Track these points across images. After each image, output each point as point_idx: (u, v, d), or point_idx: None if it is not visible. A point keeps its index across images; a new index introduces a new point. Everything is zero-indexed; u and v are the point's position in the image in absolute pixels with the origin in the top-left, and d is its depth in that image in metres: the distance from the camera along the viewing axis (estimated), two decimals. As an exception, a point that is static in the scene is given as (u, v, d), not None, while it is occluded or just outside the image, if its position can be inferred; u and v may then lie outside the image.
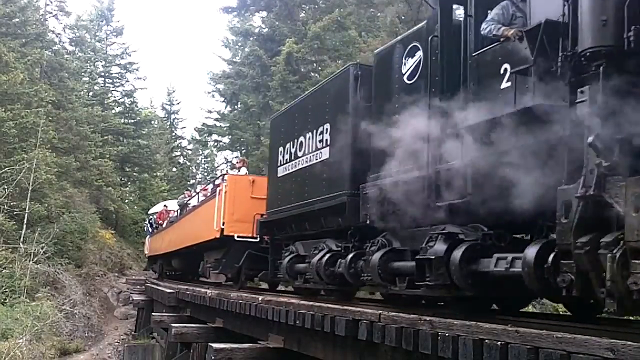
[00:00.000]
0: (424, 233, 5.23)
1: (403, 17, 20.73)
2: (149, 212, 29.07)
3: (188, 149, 47.43)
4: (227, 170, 21.86)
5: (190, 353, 10.60)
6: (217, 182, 13.74)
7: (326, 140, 7.28)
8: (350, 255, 6.40)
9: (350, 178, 6.66)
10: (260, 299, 7.76)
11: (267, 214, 9.44)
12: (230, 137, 35.15)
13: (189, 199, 18.36)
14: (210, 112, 37.88)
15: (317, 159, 7.53)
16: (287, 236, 8.87)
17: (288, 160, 8.51)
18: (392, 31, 19.60)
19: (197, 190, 18.51)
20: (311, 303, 6.32)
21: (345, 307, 5.53)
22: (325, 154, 7.32)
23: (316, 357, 6.38)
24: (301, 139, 8.05)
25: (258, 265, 10.63)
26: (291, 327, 6.61)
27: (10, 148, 20.12)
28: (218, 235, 11.20)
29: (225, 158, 40.95)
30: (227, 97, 35.26)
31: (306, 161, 7.83)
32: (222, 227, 10.91)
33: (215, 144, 39.50)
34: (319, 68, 28.07)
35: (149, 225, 25.80)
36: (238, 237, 10.70)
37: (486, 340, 3.55)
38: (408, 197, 5.32)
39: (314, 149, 7.61)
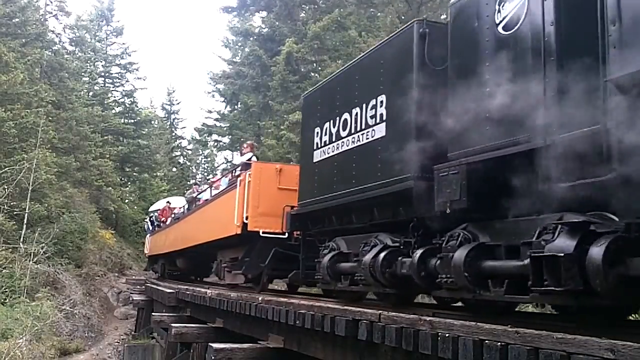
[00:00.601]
0: (532, 223, 4.13)
1: (403, 17, 20.72)
2: (150, 209, 28.66)
3: (188, 149, 47.47)
4: (227, 169, 20.14)
5: (190, 353, 10.61)
6: (237, 171, 12.15)
7: (381, 115, 6.06)
8: (419, 253, 5.14)
9: (417, 158, 5.38)
10: (260, 299, 7.76)
11: (299, 206, 8.16)
12: (230, 137, 35.19)
13: (199, 194, 17.05)
14: (210, 112, 37.99)
15: (368, 138, 6.28)
16: (324, 231, 7.62)
17: (327, 142, 7.25)
18: (392, 31, 19.58)
19: (209, 182, 16.85)
20: (311, 303, 6.33)
21: (345, 307, 5.53)
22: (380, 131, 6.07)
23: (316, 357, 6.38)
24: (345, 116, 6.81)
25: (285, 264, 9.28)
26: (291, 327, 6.61)
27: (10, 148, 20.11)
28: (239, 231, 9.81)
29: (225, 158, 40.97)
30: (227, 97, 35.31)
31: (353, 142, 6.60)
32: (245, 221, 9.49)
33: (215, 144, 39.58)
34: (319, 68, 28.06)
35: (149, 223, 24.95)
36: (263, 232, 9.38)
37: (486, 341, 3.55)
38: (510, 178, 4.21)
39: (363, 127, 6.39)
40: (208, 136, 39.10)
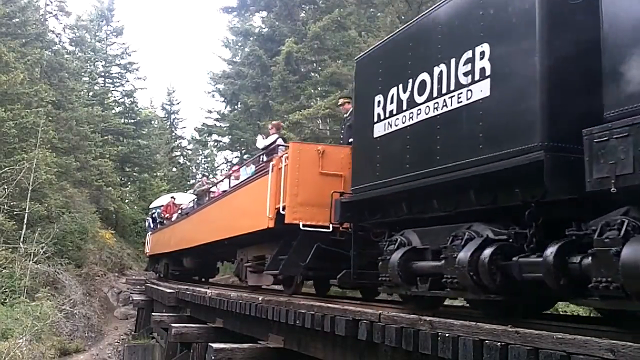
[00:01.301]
0: None
1: (403, 17, 20.71)
2: (151, 205, 28.02)
3: (188, 149, 47.44)
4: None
5: (190, 353, 10.62)
6: (263, 157, 10.72)
7: (482, 70, 4.70)
8: (555, 249, 3.85)
9: (547, 123, 4.08)
10: (260, 299, 7.77)
11: (352, 192, 6.79)
12: (230, 137, 35.19)
13: (213, 185, 15.50)
14: (210, 112, 37.97)
15: (461, 101, 4.88)
16: (385, 222, 6.27)
17: (395, 112, 5.85)
18: (392, 31, 19.58)
19: (227, 173, 15.50)
20: (311, 303, 6.33)
21: (345, 307, 5.53)
22: (481, 90, 4.71)
23: (316, 357, 6.39)
24: (423, 76, 5.43)
25: (328, 263, 7.86)
26: (291, 327, 6.62)
27: (10, 148, 20.12)
28: (271, 225, 8.28)
29: (225, 158, 40.98)
30: (227, 97, 35.32)
31: (435, 108, 5.22)
32: (282, 212, 7.89)
33: (215, 144, 39.55)
34: (319, 68, 28.07)
35: (151, 220, 23.95)
36: (304, 225, 7.72)
37: (486, 341, 3.55)
38: None
39: (452, 88, 5.01)
40: (208, 136, 39.09)
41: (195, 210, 15.58)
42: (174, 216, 19.47)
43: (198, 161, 48.45)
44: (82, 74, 34.35)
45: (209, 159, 47.32)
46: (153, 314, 14.69)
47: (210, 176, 19.65)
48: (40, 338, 14.93)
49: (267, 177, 8.67)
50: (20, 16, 25.17)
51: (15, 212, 18.48)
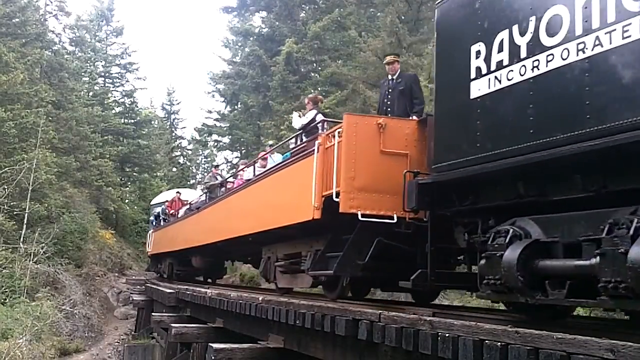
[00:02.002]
0: None
1: (403, 17, 20.72)
2: (153, 202, 27.18)
3: (188, 149, 47.44)
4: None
5: (190, 353, 10.62)
6: (300, 139, 8.86)
7: None
8: None
9: None
10: (260, 298, 7.77)
11: (433, 171, 5.40)
12: (230, 137, 35.22)
13: (232, 175, 13.96)
14: (210, 112, 38.00)
15: (630, 36, 3.57)
16: (480, 208, 4.90)
17: (507, 63, 4.51)
18: (392, 31, 19.60)
19: (251, 161, 12.88)
20: (311, 303, 6.33)
21: (345, 307, 5.53)
22: None
23: (316, 357, 6.39)
24: (556, 10, 4.11)
25: (391, 261, 6.57)
26: (291, 327, 6.62)
27: (10, 148, 20.13)
28: (318, 216, 6.71)
29: (225, 158, 40.96)
30: (227, 97, 35.34)
31: (581, 50, 3.89)
32: (335, 200, 6.32)
33: (215, 144, 39.57)
34: (319, 68, 28.10)
35: (154, 217, 22.58)
36: (363, 215, 6.22)
37: (486, 341, 3.55)
38: None
39: (611, 20, 3.70)
40: (208, 136, 39.12)
41: (207, 205, 13.90)
42: (181, 212, 18.03)
43: (198, 161, 48.45)
44: (82, 74, 34.37)
45: (209, 159, 47.32)
46: (153, 314, 14.70)
47: (222, 167, 17.23)
48: (40, 338, 14.94)
49: (311, 159, 7.01)
50: (20, 16, 25.17)
51: (15, 212, 18.49)
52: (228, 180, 13.93)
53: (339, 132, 6.58)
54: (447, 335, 3.90)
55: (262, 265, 9.88)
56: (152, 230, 22.38)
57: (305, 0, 30.83)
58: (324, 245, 7.31)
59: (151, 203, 27.96)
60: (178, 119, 47.48)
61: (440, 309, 5.95)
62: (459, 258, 6.42)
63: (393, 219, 6.20)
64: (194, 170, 47.27)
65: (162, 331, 14.28)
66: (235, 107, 35.39)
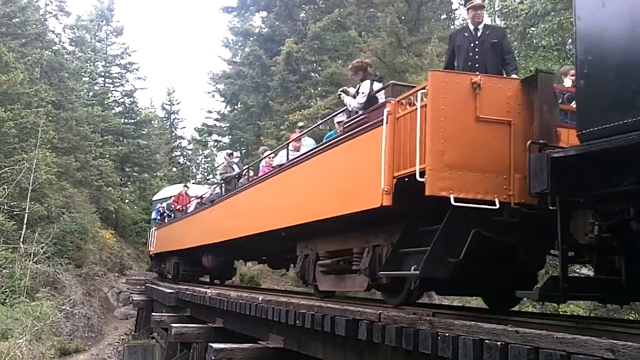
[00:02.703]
0: None
1: (403, 17, 20.73)
2: (156, 197, 25.84)
3: (188, 149, 47.43)
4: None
5: (190, 353, 10.62)
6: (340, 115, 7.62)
7: None
8: None
9: None
10: (260, 298, 7.77)
11: (584, 141, 4.02)
12: (230, 137, 35.24)
13: (258, 161, 11.78)
14: (210, 112, 38.01)
15: None
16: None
17: None
18: (392, 31, 19.62)
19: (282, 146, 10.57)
20: (311, 303, 6.33)
21: (346, 307, 5.53)
22: None
23: (316, 357, 6.39)
24: None
25: (489, 261, 5.29)
26: (291, 327, 6.62)
27: (10, 148, 20.13)
28: (388, 202, 5.30)
29: (226, 158, 40.92)
30: (227, 97, 35.36)
31: None
32: (420, 180, 4.91)
33: (215, 144, 39.60)
34: (319, 68, 28.10)
35: (157, 214, 21.03)
36: (456, 200, 4.82)
37: (486, 341, 3.56)
38: None
39: None
40: (208, 136, 39.13)
41: (225, 197, 12.28)
42: (191, 206, 16.49)
43: (198, 161, 48.46)
44: (82, 74, 34.37)
45: (209, 159, 47.34)
46: (153, 314, 14.70)
47: (234, 155, 14.48)
48: (40, 338, 14.93)
49: (377, 133, 5.66)
50: (20, 16, 25.17)
51: (15, 212, 18.50)
52: (249, 168, 12.27)
53: (422, 94, 5.13)
54: (447, 334, 3.91)
55: (299, 264, 8.29)
56: (154, 228, 20.94)
57: (305, 0, 30.84)
58: (385, 239, 6.01)
59: (153, 199, 26.70)
60: (178, 119, 47.49)
61: (440, 309, 5.95)
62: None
63: (494, 205, 4.81)
64: (194, 170, 47.27)
65: (162, 331, 14.28)
66: (235, 107, 35.41)
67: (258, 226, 9.20)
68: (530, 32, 13.80)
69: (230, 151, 15.30)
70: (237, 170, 13.35)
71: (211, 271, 16.56)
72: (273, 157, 10.31)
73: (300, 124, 12.19)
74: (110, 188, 28.88)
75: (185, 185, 20.00)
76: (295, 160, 8.23)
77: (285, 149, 9.16)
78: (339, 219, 6.42)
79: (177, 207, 18.21)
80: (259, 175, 10.38)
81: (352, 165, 6.26)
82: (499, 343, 3.44)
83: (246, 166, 13.42)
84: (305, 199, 7.47)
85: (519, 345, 3.29)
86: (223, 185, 13.25)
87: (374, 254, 6.16)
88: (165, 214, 19.72)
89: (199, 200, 15.59)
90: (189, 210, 16.35)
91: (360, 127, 6.15)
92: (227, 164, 13.97)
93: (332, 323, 5.42)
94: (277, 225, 8.29)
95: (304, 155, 7.94)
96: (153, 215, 21.72)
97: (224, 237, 11.45)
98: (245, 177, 11.99)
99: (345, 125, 6.84)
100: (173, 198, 19.20)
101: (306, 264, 8.14)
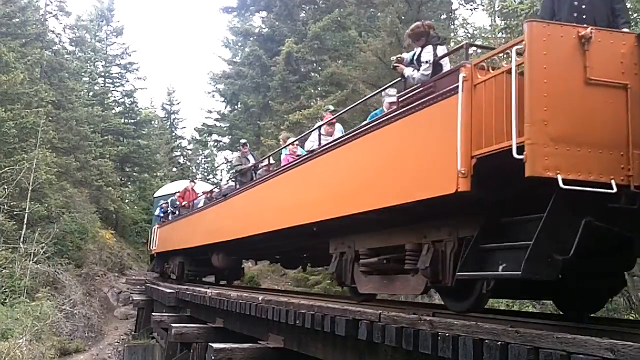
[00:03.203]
0: None
1: (403, 17, 20.72)
2: (157, 194, 24.89)
3: (188, 149, 47.45)
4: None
5: (190, 353, 10.62)
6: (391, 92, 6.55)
7: None
8: None
9: None
10: (260, 298, 7.76)
11: None
12: (230, 137, 35.23)
13: (283, 147, 10.21)
14: (210, 112, 38.02)
15: None
16: None
17: None
18: (392, 31, 19.61)
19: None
20: (311, 303, 6.33)
21: (346, 307, 5.53)
22: None
23: (316, 357, 6.38)
24: None
25: (602, 256, 4.57)
26: (291, 327, 6.62)
27: (10, 148, 20.14)
28: (465, 186, 4.33)
29: (225, 158, 40.96)
30: (227, 97, 35.36)
31: None
32: (518, 157, 3.87)
33: (215, 144, 39.62)
34: (319, 68, 28.10)
35: (160, 211, 19.85)
36: (565, 182, 3.82)
37: (486, 340, 3.55)
38: None
39: None
40: (208, 136, 39.15)
41: (241, 190, 11.02)
42: (200, 202, 15.47)
43: (198, 161, 48.49)
44: (82, 74, 34.39)
45: (209, 159, 47.38)
46: (153, 314, 14.68)
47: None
48: (40, 338, 14.93)
49: (449, 104, 4.61)
50: (20, 16, 25.17)
51: (15, 212, 18.50)
52: (269, 157, 11.15)
53: (517, 50, 4.14)
54: (447, 335, 3.90)
55: (335, 264, 7.26)
56: (157, 226, 19.76)
57: (305, 0, 30.83)
58: (450, 233, 5.04)
59: (155, 195, 25.69)
60: (178, 119, 47.51)
61: (441, 309, 5.95)
62: None
63: (611, 188, 3.90)
64: (194, 170, 47.27)
65: (162, 331, 14.28)
66: (235, 107, 35.42)
67: (283, 221, 8.10)
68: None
69: (244, 140, 14.06)
70: (252, 161, 12.41)
71: (221, 271, 15.75)
72: (298, 145, 9.46)
73: (331, 107, 10.38)
74: (110, 188, 28.89)
75: (192, 181, 19.05)
76: (330, 145, 6.99)
77: (317, 133, 7.90)
78: (386, 211, 5.43)
79: (183, 204, 17.22)
80: (282, 165, 9.24)
81: (412, 145, 5.11)
82: (499, 343, 3.43)
83: (265, 156, 12.02)
84: (345, 188, 6.36)
85: (519, 345, 3.29)
86: (237, 178, 12.16)
87: (436, 251, 5.17)
88: (169, 211, 18.78)
89: (209, 195, 14.61)
90: (198, 206, 15.25)
91: (424, 100, 5.00)
92: (242, 155, 12.79)
93: (332, 323, 5.42)
94: (307, 219, 7.22)
95: (343, 138, 6.70)
96: (156, 212, 20.51)
97: (239, 234, 10.37)
98: (264, 168, 10.90)
99: (401, 99, 5.50)
100: (178, 194, 18.28)
101: (342, 263, 7.13)
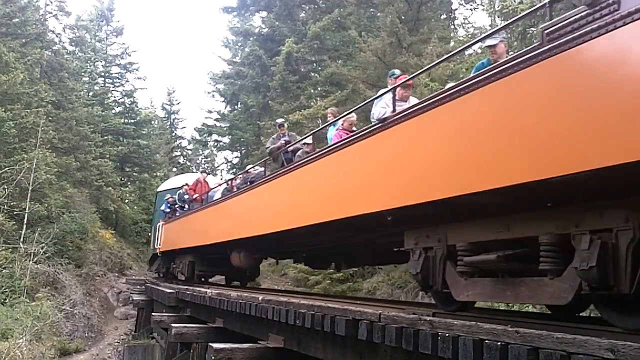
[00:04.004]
0: None
1: (403, 17, 20.72)
2: (160, 188, 23.35)
3: (188, 149, 47.47)
4: None
5: (190, 353, 10.62)
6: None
7: None
8: None
9: None
10: (260, 298, 7.76)
11: None
12: (230, 137, 35.27)
13: (330, 124, 8.46)
14: (210, 112, 38.06)
15: None
16: None
17: None
18: (392, 31, 19.61)
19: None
20: (311, 303, 6.32)
21: (346, 307, 5.52)
22: None
23: (316, 357, 6.38)
24: None
25: None
26: (291, 327, 6.61)
27: (10, 148, 20.14)
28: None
29: (225, 158, 40.99)
30: (227, 97, 35.39)
31: None
32: None
33: (215, 144, 39.62)
34: (319, 68, 28.12)
35: (166, 206, 17.95)
36: None
37: (486, 341, 3.55)
38: None
39: None
40: (208, 136, 39.16)
41: (275, 175, 8.87)
42: (216, 194, 13.54)
43: (198, 161, 48.49)
44: (82, 74, 34.39)
45: (209, 159, 47.37)
46: (153, 314, 14.68)
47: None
48: (40, 338, 14.93)
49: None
50: (20, 16, 25.18)
51: (15, 212, 18.50)
52: (313, 134, 8.63)
53: None
54: (447, 335, 3.90)
55: (419, 263, 5.32)
56: (162, 222, 17.97)
57: (305, 0, 30.86)
58: (627, 218, 3.40)
59: (158, 190, 24.02)
60: (178, 119, 47.54)
61: (440, 309, 5.94)
62: None
63: None
64: (194, 170, 47.29)
65: (162, 331, 14.27)
66: (235, 107, 35.44)
67: (337, 211, 6.34)
68: (531, 32, 13.79)
69: (281, 120, 11.28)
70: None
71: (239, 271, 13.95)
72: (352, 118, 7.87)
73: (397, 71, 7.73)
74: (110, 188, 28.91)
75: (205, 172, 17.31)
76: (413, 109, 5.05)
77: (389, 98, 5.99)
78: (513, 190, 3.77)
79: (194, 197, 15.36)
80: (333, 142, 7.24)
81: (577, 98, 3.32)
82: (499, 343, 3.43)
83: (304, 135, 9.86)
84: (439, 165, 4.58)
85: (519, 345, 3.29)
86: (268, 161, 10.21)
87: (604, 245, 3.50)
88: (176, 206, 16.76)
89: (229, 184, 12.80)
90: (213, 198, 13.30)
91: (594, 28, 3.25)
92: (278, 137, 10.52)
93: (332, 323, 5.42)
94: (377, 207, 5.48)
95: (438, 97, 4.63)
96: (162, 207, 18.49)
97: (271, 228, 8.50)
98: (305, 150, 8.79)
99: (547, 31, 3.61)
100: (189, 186, 16.39)
101: (429, 261, 5.26)
